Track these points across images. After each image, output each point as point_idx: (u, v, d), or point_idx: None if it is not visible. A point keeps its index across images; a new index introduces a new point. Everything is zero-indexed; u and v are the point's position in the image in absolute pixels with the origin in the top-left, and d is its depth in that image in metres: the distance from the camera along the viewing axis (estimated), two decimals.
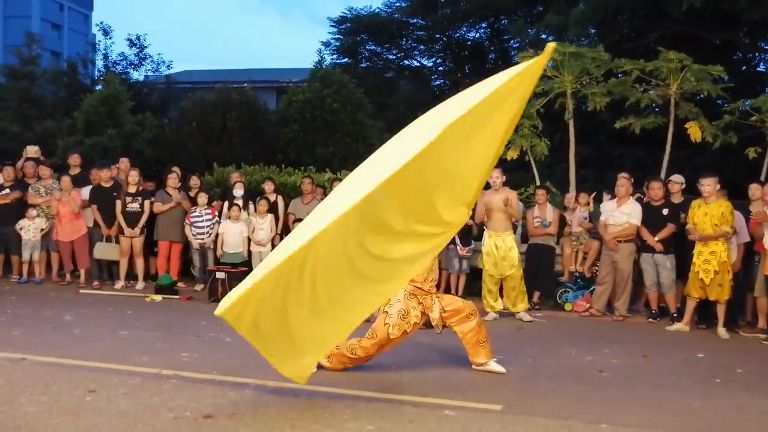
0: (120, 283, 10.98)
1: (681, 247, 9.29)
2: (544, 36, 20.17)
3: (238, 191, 11.03)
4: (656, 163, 12.60)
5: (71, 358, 6.22)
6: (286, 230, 10.92)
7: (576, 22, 17.96)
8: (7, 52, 28.22)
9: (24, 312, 8.65)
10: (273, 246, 10.76)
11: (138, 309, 9.21)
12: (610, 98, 12.53)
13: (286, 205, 11.21)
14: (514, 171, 13.44)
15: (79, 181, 11.35)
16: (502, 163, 13.37)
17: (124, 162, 11.99)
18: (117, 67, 23.75)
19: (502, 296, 9.42)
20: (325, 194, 11.43)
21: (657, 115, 12.64)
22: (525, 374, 6.32)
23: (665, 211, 9.33)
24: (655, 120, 12.48)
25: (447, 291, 10.77)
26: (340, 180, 11.32)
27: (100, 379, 5.56)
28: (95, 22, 53.52)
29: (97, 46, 25.07)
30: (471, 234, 10.46)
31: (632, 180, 9.77)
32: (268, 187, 11.17)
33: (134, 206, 10.93)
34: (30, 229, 11.12)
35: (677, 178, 9.85)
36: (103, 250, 11.05)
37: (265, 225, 10.76)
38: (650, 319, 9.45)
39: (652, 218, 9.35)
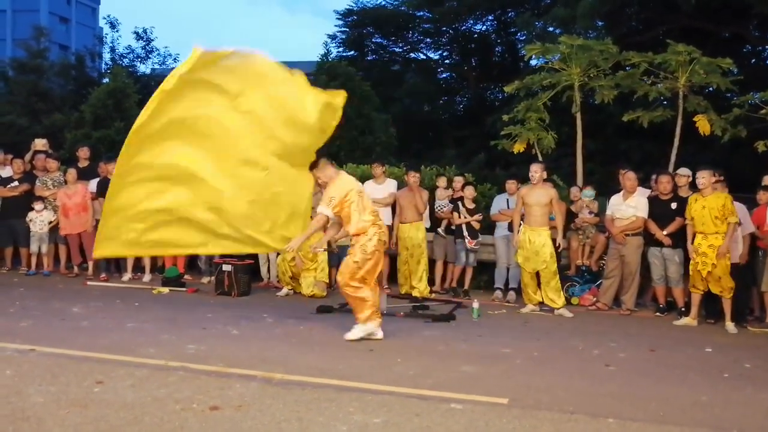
0: (127, 276, 11.00)
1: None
2: (551, 29, 20.09)
3: None
4: (664, 156, 12.54)
5: (79, 350, 6.25)
6: None
7: (584, 14, 17.88)
8: (16, 46, 28.28)
9: (32, 304, 8.69)
10: None
11: (145, 301, 9.24)
12: (617, 91, 12.47)
13: None
14: (521, 164, 13.44)
15: (87, 174, 11.38)
16: (514, 156, 13.44)
17: None
18: (124, 60, 23.87)
19: None
20: None
21: (665, 108, 12.56)
22: (531, 368, 6.32)
23: (674, 205, 9.28)
24: (663, 113, 12.41)
25: (453, 284, 10.79)
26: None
27: (107, 370, 5.58)
28: (102, 15, 53.74)
29: (104, 39, 25.15)
30: (478, 227, 10.50)
31: (639, 175, 9.76)
32: None
33: None
34: (37, 221, 11.17)
35: (684, 171, 9.79)
36: None
37: None
38: (657, 314, 9.43)
39: (660, 212, 9.32)
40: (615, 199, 9.69)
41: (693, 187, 9.67)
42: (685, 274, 9.22)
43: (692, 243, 8.65)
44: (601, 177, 14.16)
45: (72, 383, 5.22)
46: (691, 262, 8.66)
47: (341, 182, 7.30)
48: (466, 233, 10.42)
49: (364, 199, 7.29)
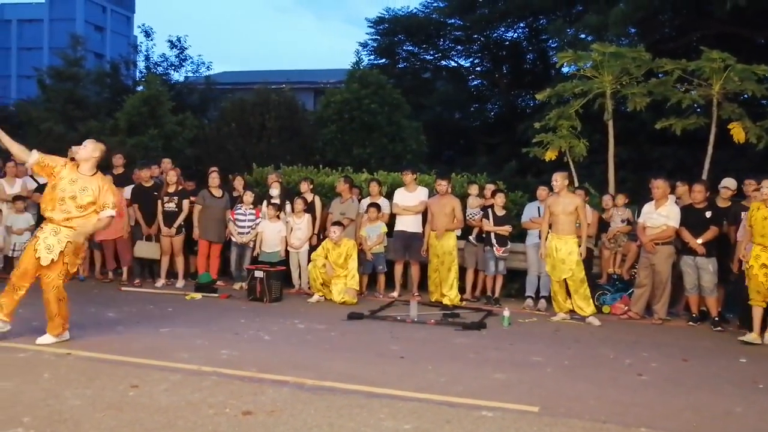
0: (161, 282, 11.13)
1: (723, 251, 9.16)
2: (583, 36, 19.98)
3: (274, 191, 11.13)
4: (697, 164, 12.42)
5: (114, 354, 6.35)
6: (323, 230, 11.00)
7: (616, 21, 17.74)
8: (53, 54, 28.75)
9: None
10: (310, 245, 10.85)
11: (178, 307, 9.34)
12: (650, 98, 12.38)
13: (323, 205, 11.27)
14: (552, 172, 13.39)
15: (122, 181, 11.52)
16: (545, 164, 13.38)
17: (166, 162, 12.18)
18: (158, 68, 24.11)
19: None
20: (361, 194, 11.48)
21: (699, 115, 12.44)
22: (562, 376, 6.29)
23: (708, 214, 9.19)
24: (696, 120, 12.29)
25: (483, 292, 10.79)
26: (377, 180, 11.34)
27: (142, 374, 5.67)
28: (137, 24, 54.47)
29: (139, 47, 25.46)
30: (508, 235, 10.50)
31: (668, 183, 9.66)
32: (305, 187, 11.24)
33: (170, 206, 11.06)
34: None
35: (730, 184, 9.63)
36: (144, 249, 11.22)
37: (302, 225, 10.84)
38: (690, 323, 9.34)
39: (694, 221, 9.21)
40: (647, 207, 9.62)
41: (734, 198, 9.56)
42: (719, 282, 9.13)
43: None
44: (633, 185, 14.05)
45: (107, 387, 5.31)
46: (749, 273, 8.19)
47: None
48: (494, 241, 10.41)
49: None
